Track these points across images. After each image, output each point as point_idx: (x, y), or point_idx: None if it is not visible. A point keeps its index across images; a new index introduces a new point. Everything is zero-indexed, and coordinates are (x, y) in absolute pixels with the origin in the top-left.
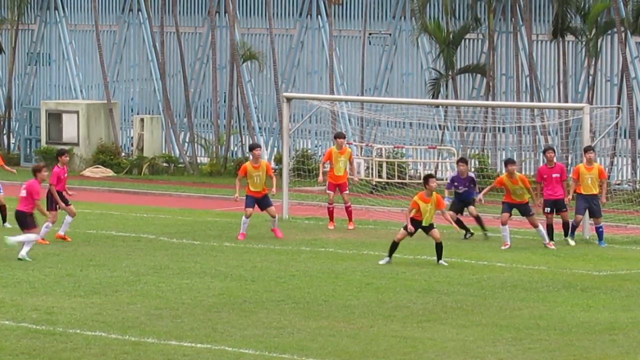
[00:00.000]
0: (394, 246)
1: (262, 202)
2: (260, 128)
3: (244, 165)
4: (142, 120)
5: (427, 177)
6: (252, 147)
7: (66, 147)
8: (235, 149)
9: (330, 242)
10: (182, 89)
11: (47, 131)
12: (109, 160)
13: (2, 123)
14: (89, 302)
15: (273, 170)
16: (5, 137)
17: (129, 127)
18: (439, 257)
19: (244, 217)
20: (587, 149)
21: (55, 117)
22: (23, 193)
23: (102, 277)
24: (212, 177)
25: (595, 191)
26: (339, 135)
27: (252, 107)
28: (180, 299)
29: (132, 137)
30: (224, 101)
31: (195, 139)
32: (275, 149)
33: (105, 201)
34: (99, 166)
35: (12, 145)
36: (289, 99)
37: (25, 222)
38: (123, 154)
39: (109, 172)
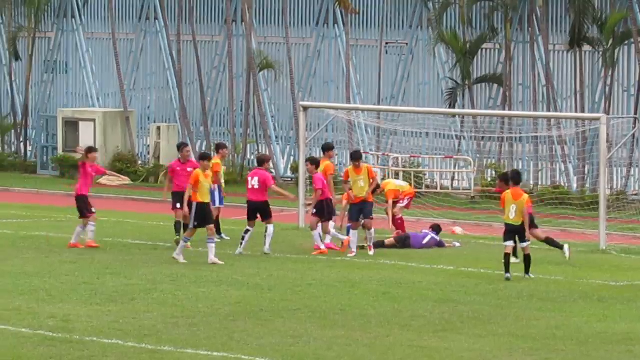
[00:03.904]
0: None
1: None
2: (276, 137)
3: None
4: (158, 128)
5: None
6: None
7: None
8: (252, 157)
9: (347, 252)
10: (199, 97)
11: (63, 139)
12: (125, 168)
13: (19, 131)
14: (105, 310)
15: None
16: (22, 144)
17: (145, 136)
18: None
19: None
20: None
21: (72, 125)
22: (255, 182)
23: (118, 285)
24: (228, 185)
25: None
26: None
27: (268, 116)
28: (197, 307)
29: (148, 146)
30: (241, 110)
31: (212, 148)
32: (292, 158)
33: (121, 209)
34: (116, 174)
35: (29, 153)
36: (305, 108)
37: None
38: (139, 162)
39: (126, 180)
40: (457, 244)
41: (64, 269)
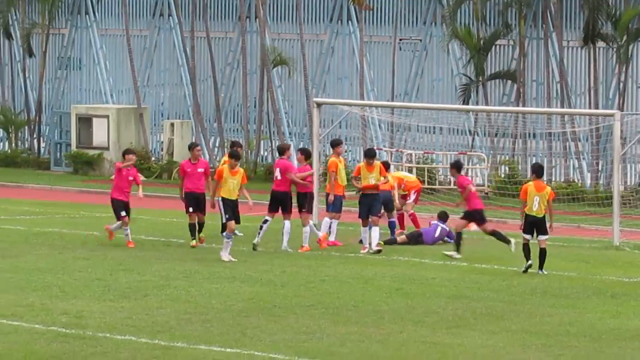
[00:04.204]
0: None
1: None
2: (290, 133)
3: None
4: (172, 124)
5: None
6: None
7: (98, 151)
8: (265, 154)
9: (359, 248)
10: (213, 93)
11: (77, 135)
12: (138, 164)
13: (32, 127)
14: (118, 306)
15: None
16: (35, 141)
17: (159, 132)
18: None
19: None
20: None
21: (85, 122)
22: (277, 173)
23: (131, 281)
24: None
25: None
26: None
27: (282, 112)
28: (210, 303)
29: (162, 142)
30: (254, 106)
31: (225, 144)
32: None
33: (134, 205)
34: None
35: (42, 150)
36: (319, 105)
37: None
38: (153, 159)
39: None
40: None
41: (77, 265)
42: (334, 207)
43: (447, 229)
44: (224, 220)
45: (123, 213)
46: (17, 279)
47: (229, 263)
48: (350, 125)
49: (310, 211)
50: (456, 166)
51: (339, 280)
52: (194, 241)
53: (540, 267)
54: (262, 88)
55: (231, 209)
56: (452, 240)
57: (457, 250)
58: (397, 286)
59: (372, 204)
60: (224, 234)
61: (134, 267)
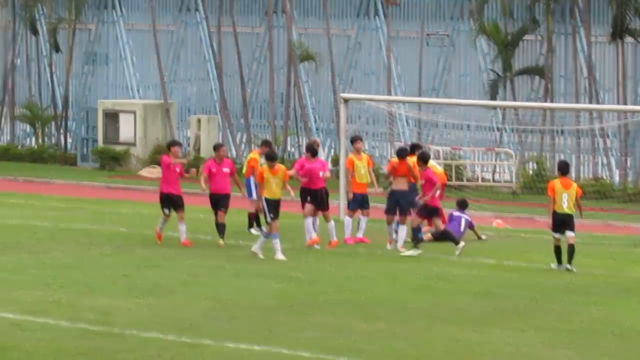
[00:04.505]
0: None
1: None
2: (317, 129)
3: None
4: (198, 120)
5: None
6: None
7: (125, 147)
8: (292, 150)
9: (386, 244)
10: (239, 89)
11: (104, 131)
12: None
13: (59, 122)
14: (145, 303)
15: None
16: (62, 136)
17: (185, 128)
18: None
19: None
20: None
21: (112, 117)
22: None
23: (158, 277)
24: None
25: None
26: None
27: (309, 108)
28: (237, 300)
29: (188, 138)
30: (281, 102)
31: (252, 140)
32: (332, 150)
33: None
34: (156, 166)
35: (69, 145)
36: (346, 100)
37: None
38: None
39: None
40: (484, 237)
41: (104, 261)
42: (354, 204)
43: (469, 218)
44: (268, 220)
45: (167, 211)
46: (43, 275)
47: (257, 259)
48: (377, 121)
49: (327, 207)
50: (422, 158)
51: (366, 277)
52: (222, 240)
53: (569, 261)
54: (289, 84)
55: (274, 208)
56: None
57: (416, 246)
58: (425, 283)
59: (400, 201)
60: (265, 232)
61: (161, 264)
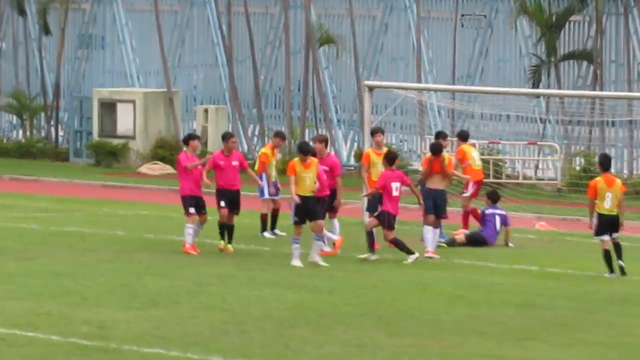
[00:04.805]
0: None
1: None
2: (338, 120)
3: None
4: (206, 110)
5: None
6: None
7: (123, 140)
8: (311, 144)
9: (416, 249)
10: (251, 76)
11: (99, 123)
12: (168, 155)
13: (49, 113)
14: (146, 315)
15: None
16: (52, 129)
17: (191, 119)
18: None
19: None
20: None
21: (108, 107)
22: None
23: (161, 287)
24: (285, 175)
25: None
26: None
27: (329, 97)
28: (249, 312)
29: (194, 130)
30: (298, 90)
31: (266, 133)
32: (355, 144)
33: (164, 202)
34: (158, 162)
35: (60, 139)
36: (371, 88)
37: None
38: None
39: (169, 169)
40: (511, 244)
41: (100, 268)
42: (372, 206)
43: (504, 212)
44: (291, 222)
45: (192, 210)
46: (32, 284)
47: (297, 268)
48: (406, 112)
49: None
50: (388, 158)
51: (393, 286)
52: (222, 243)
53: (619, 257)
54: (306, 70)
55: (303, 209)
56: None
57: (372, 251)
58: (459, 293)
59: (437, 199)
60: (316, 235)
61: (164, 271)
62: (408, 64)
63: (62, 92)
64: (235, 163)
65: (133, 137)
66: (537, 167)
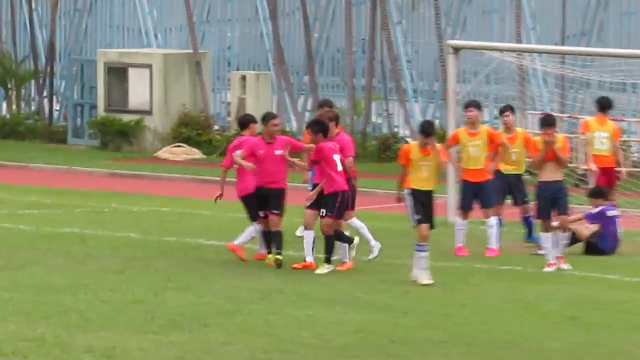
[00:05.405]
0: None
1: None
2: (414, 91)
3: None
4: (243, 78)
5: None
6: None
7: (136, 116)
8: (379, 120)
9: (516, 257)
10: (302, 34)
11: (106, 94)
12: (195, 136)
13: (41, 82)
14: (166, 341)
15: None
16: (46, 101)
17: (224, 89)
18: None
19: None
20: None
21: (118, 74)
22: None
23: (185, 304)
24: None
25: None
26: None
27: (402, 61)
28: (299, 337)
29: (228, 103)
30: (362, 52)
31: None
32: (437, 121)
33: (190, 195)
34: (182, 145)
35: (55, 114)
36: (456, 49)
37: None
38: (216, 128)
39: (196, 154)
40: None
41: (107, 281)
42: (465, 200)
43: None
44: (413, 223)
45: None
46: (19, 300)
47: (425, 284)
48: (502, 80)
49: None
50: (316, 125)
51: (486, 305)
52: (271, 256)
53: None
54: (373, 26)
55: (423, 206)
56: None
57: (329, 260)
58: (572, 314)
59: (557, 194)
60: (419, 244)
61: (189, 285)
62: (504, 18)
63: (57, 55)
64: (278, 152)
65: (149, 112)
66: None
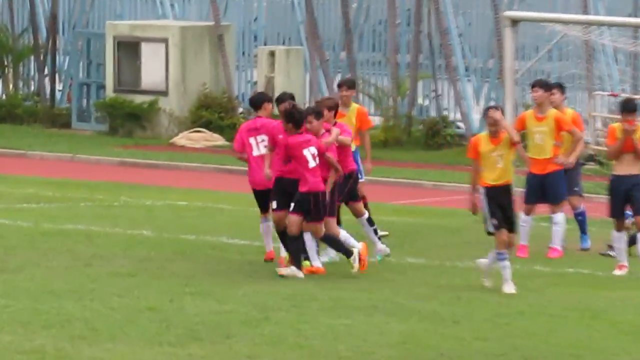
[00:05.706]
0: None
1: None
2: (467, 69)
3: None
4: (271, 54)
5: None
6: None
7: (150, 97)
8: (426, 102)
9: (584, 259)
10: (338, 3)
11: (115, 72)
12: (217, 120)
13: (42, 58)
14: (184, 354)
15: None
16: (47, 80)
17: (250, 66)
18: None
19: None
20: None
21: (129, 49)
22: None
23: (205, 312)
24: (388, 148)
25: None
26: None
27: (453, 35)
28: (335, 349)
29: (255, 83)
30: (407, 25)
31: (360, 87)
32: (492, 102)
33: (210, 187)
34: (201, 130)
35: (58, 95)
36: (515, 22)
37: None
38: (241, 110)
39: (217, 140)
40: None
41: (116, 285)
42: (530, 194)
43: None
44: (490, 229)
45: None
46: (17, 308)
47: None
48: (566, 56)
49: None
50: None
51: (548, 314)
52: (308, 263)
53: None
54: None
55: (500, 207)
56: None
57: (298, 265)
58: None
59: (633, 190)
60: (498, 252)
61: (209, 290)
62: None
63: (61, 28)
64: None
65: (165, 93)
66: None
